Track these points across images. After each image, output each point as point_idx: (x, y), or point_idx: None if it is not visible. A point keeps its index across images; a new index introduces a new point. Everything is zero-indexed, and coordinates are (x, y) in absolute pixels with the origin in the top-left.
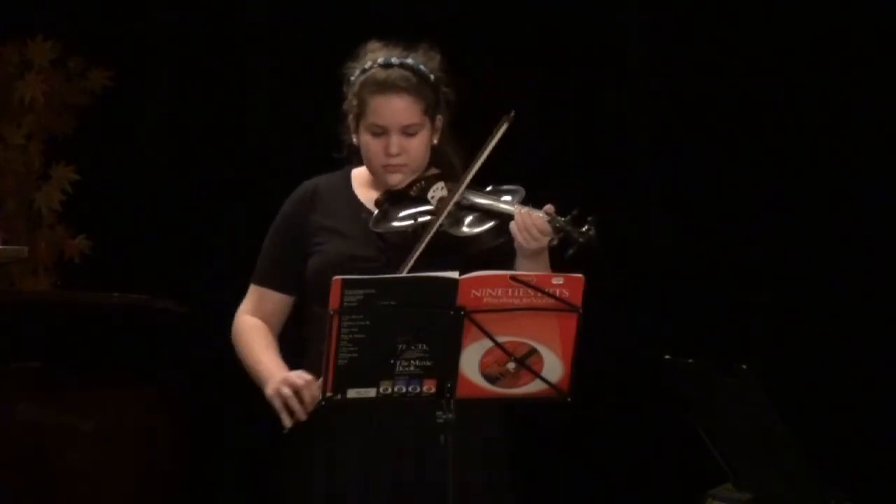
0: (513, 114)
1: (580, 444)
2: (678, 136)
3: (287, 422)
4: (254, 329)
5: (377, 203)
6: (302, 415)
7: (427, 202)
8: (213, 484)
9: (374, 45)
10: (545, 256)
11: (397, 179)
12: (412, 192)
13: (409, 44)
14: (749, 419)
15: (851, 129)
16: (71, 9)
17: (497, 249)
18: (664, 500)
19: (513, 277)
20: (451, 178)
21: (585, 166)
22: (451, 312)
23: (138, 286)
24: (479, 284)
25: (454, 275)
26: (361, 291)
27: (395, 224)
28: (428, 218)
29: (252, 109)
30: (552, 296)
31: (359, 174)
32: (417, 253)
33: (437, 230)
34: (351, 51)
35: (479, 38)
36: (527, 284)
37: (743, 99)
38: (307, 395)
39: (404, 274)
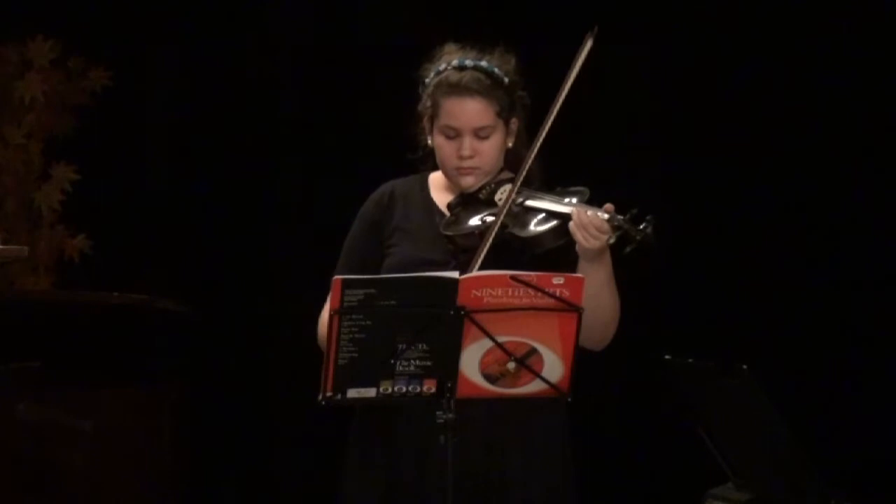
0: (596, 29)
1: (580, 443)
2: (678, 134)
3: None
4: None
5: (449, 206)
6: None
7: (494, 204)
8: (213, 484)
9: (450, 47)
10: (607, 258)
11: (469, 182)
12: (481, 196)
13: (484, 46)
14: (749, 419)
15: (852, 128)
16: (71, 9)
17: (561, 250)
18: (664, 500)
19: (513, 277)
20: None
21: (584, 165)
22: (452, 312)
23: (138, 286)
24: (479, 284)
25: (454, 275)
26: (362, 291)
27: (464, 227)
28: (492, 219)
29: (252, 109)
30: (552, 296)
31: (436, 178)
32: (483, 254)
33: (503, 232)
34: (349, 49)
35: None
36: (527, 284)
37: (744, 97)
38: None
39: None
